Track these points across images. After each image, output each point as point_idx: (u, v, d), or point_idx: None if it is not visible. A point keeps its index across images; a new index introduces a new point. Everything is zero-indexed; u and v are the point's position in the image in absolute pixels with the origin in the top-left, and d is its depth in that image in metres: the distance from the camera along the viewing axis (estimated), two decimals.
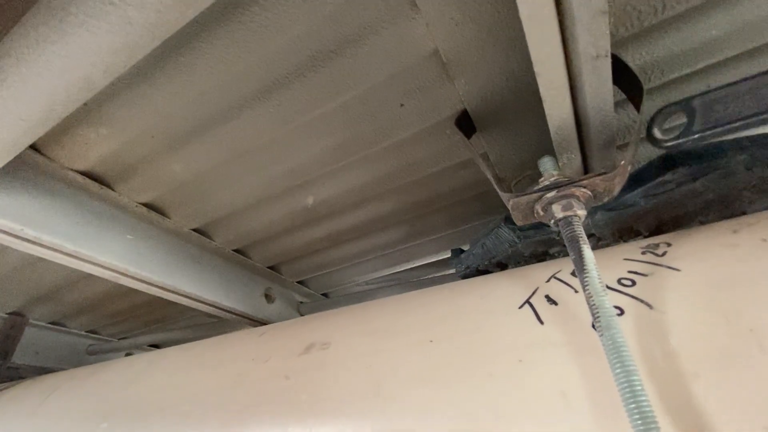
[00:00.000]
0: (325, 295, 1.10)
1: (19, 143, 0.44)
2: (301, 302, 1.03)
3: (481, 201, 0.75)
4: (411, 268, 0.97)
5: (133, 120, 0.55)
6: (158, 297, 1.07)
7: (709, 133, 0.43)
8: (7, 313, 1.08)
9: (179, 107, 0.54)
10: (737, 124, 0.43)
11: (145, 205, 0.71)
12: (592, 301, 0.35)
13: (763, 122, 0.42)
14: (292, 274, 0.98)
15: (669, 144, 0.44)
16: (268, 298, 0.94)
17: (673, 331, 0.34)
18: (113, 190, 0.66)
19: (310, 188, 0.69)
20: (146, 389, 0.67)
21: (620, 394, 0.31)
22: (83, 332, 1.24)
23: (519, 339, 0.40)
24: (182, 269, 0.76)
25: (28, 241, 0.57)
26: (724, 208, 0.48)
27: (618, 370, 0.31)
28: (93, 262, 0.63)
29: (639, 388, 0.31)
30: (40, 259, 0.89)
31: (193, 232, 0.79)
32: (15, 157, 0.51)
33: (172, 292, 0.74)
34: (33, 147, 0.58)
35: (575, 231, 0.38)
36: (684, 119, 0.44)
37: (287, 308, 0.98)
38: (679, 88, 0.54)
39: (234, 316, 0.87)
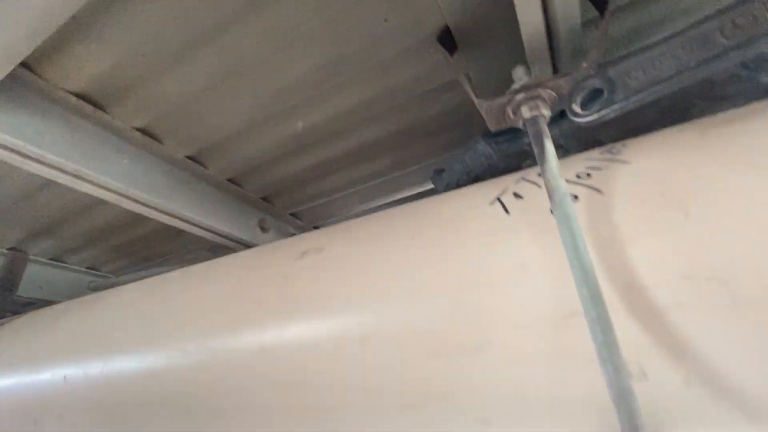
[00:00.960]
0: (316, 228, 1.15)
1: (16, 52, 0.46)
2: (294, 234, 1.08)
3: (464, 128, 0.78)
4: (398, 199, 1.02)
5: (123, 37, 0.56)
6: (157, 230, 1.11)
7: (631, 101, 0.46)
8: (7, 249, 1.12)
9: (167, 24, 0.55)
10: (659, 87, 0.45)
11: (140, 130, 0.73)
12: (550, 185, 0.40)
13: (682, 81, 0.45)
14: (285, 205, 1.03)
15: (590, 119, 0.47)
16: (263, 228, 0.99)
17: (617, 208, 0.40)
18: (107, 113, 0.68)
19: (298, 112, 0.72)
20: (151, 309, 0.73)
21: (568, 259, 0.37)
22: (83, 269, 1.29)
23: (488, 227, 0.46)
24: (179, 195, 0.79)
25: (31, 158, 0.60)
26: (679, 115, 0.53)
27: (567, 240, 0.37)
28: (94, 183, 0.67)
29: (583, 252, 0.37)
30: (39, 191, 0.91)
31: (188, 159, 0.81)
32: (9, 76, 0.53)
33: (171, 215, 0.78)
34: (25, 65, 0.58)
35: (540, 128, 0.42)
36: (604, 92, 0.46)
37: (281, 239, 1.03)
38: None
39: (231, 242, 0.92)
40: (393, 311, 0.49)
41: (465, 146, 0.66)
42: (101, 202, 0.99)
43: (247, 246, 0.95)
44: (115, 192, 0.70)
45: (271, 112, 0.71)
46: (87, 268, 1.29)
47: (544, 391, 0.40)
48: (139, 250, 1.22)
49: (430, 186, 0.94)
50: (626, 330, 0.36)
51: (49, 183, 0.90)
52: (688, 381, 0.35)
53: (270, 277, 0.61)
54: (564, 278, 0.39)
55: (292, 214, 1.08)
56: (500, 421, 0.44)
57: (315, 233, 0.65)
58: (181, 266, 1.09)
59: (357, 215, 1.06)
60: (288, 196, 1.00)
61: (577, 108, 0.47)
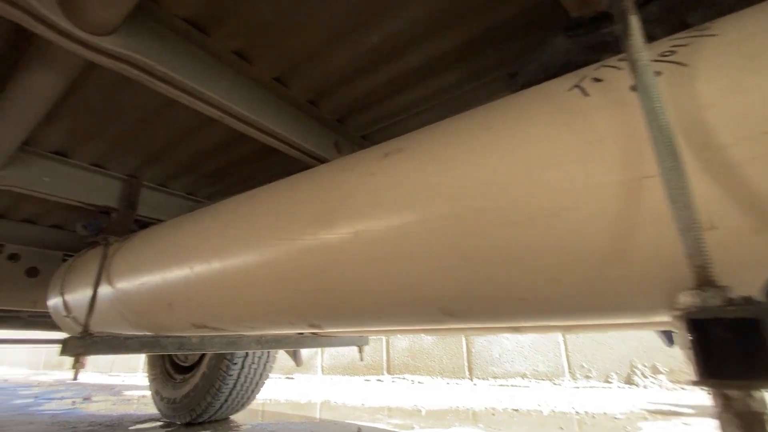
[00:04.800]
0: None
1: None
2: None
3: (534, 35, 0.78)
4: None
5: None
6: (245, 155, 1.25)
7: None
8: (126, 175, 1.33)
9: None
10: None
11: (236, 53, 0.82)
12: (632, 57, 0.42)
13: None
14: (357, 127, 1.11)
15: None
16: (338, 148, 1.08)
17: (699, 77, 0.42)
18: (209, 36, 0.77)
19: (373, 25, 0.76)
20: (261, 210, 0.86)
21: (648, 124, 0.40)
22: (184, 193, 1.49)
23: (565, 108, 0.50)
24: (270, 114, 0.90)
25: (158, 77, 0.71)
26: None
27: (647, 107, 0.40)
28: (206, 101, 0.78)
29: (661, 115, 0.39)
30: (152, 117, 1.06)
31: (274, 81, 0.90)
32: (136, 6, 0.62)
33: (265, 132, 0.89)
34: None
35: (625, 3, 0.44)
36: None
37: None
38: None
39: (312, 160, 1.03)
40: (471, 190, 0.55)
41: (541, 44, 0.67)
42: (199, 129, 1.13)
43: (325, 162, 1.06)
44: (221, 110, 0.81)
45: (349, 24, 0.76)
46: (187, 193, 1.50)
47: (615, 247, 0.45)
48: (230, 174, 1.38)
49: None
50: (700, 186, 0.39)
51: (159, 110, 1.04)
52: (757, 229, 0.39)
53: (358, 175, 0.70)
54: (640, 146, 0.42)
55: (363, 137, 1.15)
56: (569, 279, 0.50)
57: (394, 139, 0.72)
58: None
59: None
60: (360, 117, 1.06)
61: None
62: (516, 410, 2.77)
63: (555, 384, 3.73)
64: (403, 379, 4.29)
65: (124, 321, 1.24)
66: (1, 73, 0.85)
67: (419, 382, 4.17)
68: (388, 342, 4.43)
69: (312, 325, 0.86)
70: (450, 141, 0.61)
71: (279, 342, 1.64)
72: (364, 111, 1.04)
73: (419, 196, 0.60)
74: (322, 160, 1.05)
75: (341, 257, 0.69)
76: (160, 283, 1.03)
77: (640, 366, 3.56)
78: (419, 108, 1.02)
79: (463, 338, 4.14)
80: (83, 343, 1.10)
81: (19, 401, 3.88)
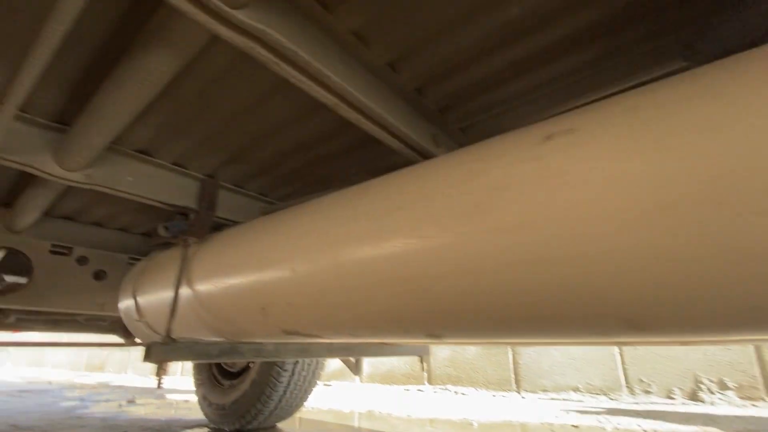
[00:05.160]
0: None
1: None
2: None
3: (690, 3, 0.68)
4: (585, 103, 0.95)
5: None
6: (322, 155, 1.19)
7: None
8: (204, 175, 1.28)
9: None
10: None
11: (354, 33, 0.75)
12: None
13: None
14: (459, 118, 1.02)
15: None
16: (436, 142, 1.00)
17: None
18: (331, 13, 0.70)
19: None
20: (379, 204, 0.78)
21: None
22: (257, 194, 1.44)
23: None
24: (380, 102, 0.82)
25: (284, 57, 0.65)
26: None
27: None
28: (328, 86, 0.71)
29: None
30: (242, 115, 1.01)
31: (387, 67, 0.83)
32: None
33: (375, 121, 0.82)
34: None
35: None
36: None
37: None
38: None
39: (413, 153, 0.95)
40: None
41: (733, 5, 0.57)
42: (285, 126, 1.08)
43: (425, 157, 0.97)
44: (338, 95, 0.74)
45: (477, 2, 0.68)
46: (259, 194, 1.45)
47: None
48: (306, 175, 1.32)
49: (638, 79, 0.84)
50: None
51: (251, 106, 0.99)
52: None
53: (511, 162, 0.61)
54: None
55: (461, 129, 1.07)
56: None
57: (553, 119, 0.63)
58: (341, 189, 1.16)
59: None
60: (466, 106, 0.98)
61: None
62: (575, 426, 2.59)
63: (612, 399, 3.51)
64: (446, 389, 4.14)
65: (202, 326, 1.18)
66: (111, 56, 0.81)
67: (462, 394, 4.02)
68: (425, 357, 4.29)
69: (431, 335, 0.77)
70: (634, 121, 0.52)
71: (347, 350, 1.57)
72: (472, 99, 0.95)
73: (611, 186, 0.50)
74: (423, 154, 0.96)
75: (491, 256, 0.59)
76: (252, 286, 0.97)
77: (705, 380, 3.30)
78: (535, 94, 0.93)
79: (510, 349, 3.96)
80: (167, 349, 1.05)
81: (66, 403, 3.96)
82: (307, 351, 1.40)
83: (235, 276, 1.02)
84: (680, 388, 3.36)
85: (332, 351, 1.50)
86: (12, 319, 2.09)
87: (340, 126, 1.07)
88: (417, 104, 0.94)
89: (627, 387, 3.53)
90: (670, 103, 0.50)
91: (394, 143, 0.90)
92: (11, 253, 1.52)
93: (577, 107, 0.92)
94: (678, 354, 3.41)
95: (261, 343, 1.24)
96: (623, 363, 3.57)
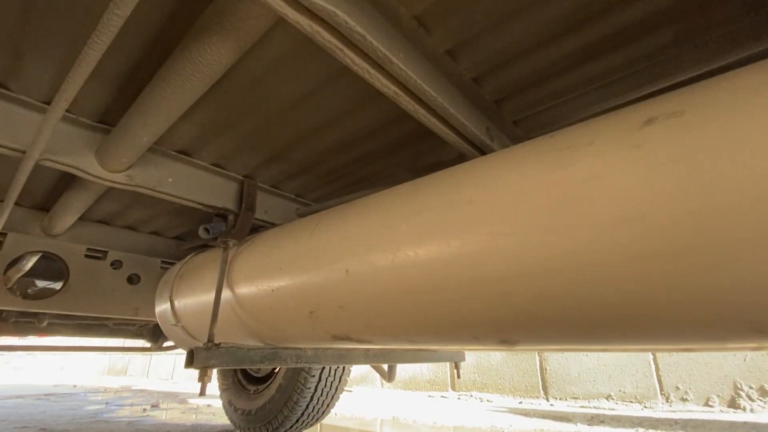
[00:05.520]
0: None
1: None
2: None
3: None
4: (651, 93, 0.89)
5: None
6: (361, 155, 1.16)
7: None
8: (242, 176, 1.26)
9: None
10: None
11: (416, 18, 0.70)
12: None
13: None
14: (514, 110, 0.97)
15: None
16: (489, 135, 0.95)
17: None
18: None
19: None
20: (436, 202, 0.73)
21: None
22: (293, 195, 1.41)
23: None
24: (440, 92, 0.78)
25: (350, 43, 0.61)
26: None
27: None
28: (391, 74, 0.67)
29: None
30: (285, 112, 0.98)
31: (446, 55, 0.78)
32: None
33: (435, 112, 0.77)
34: None
35: None
36: None
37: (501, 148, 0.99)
38: None
39: (469, 147, 0.90)
40: None
41: None
42: (329, 124, 1.04)
43: (479, 150, 0.92)
44: (400, 84, 0.70)
45: None
46: (296, 195, 1.41)
47: None
48: (344, 175, 1.29)
49: (717, 63, 0.78)
50: None
51: (296, 103, 0.96)
52: None
53: (605, 150, 0.55)
54: None
55: (514, 122, 1.01)
56: None
57: (651, 101, 0.57)
58: (379, 189, 1.12)
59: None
60: (522, 97, 0.93)
61: None
62: None
63: (646, 407, 3.36)
64: (470, 396, 4.04)
65: (244, 330, 1.15)
66: (161, 50, 0.78)
67: (488, 400, 3.91)
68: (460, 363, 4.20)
69: (504, 342, 0.71)
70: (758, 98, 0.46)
71: (385, 356, 1.52)
72: (530, 90, 0.90)
73: (721, 173, 0.44)
74: (477, 147, 0.91)
75: (585, 253, 0.54)
76: (300, 288, 0.93)
77: (745, 388, 3.14)
78: (591, 86, 0.87)
79: (537, 355, 3.85)
80: (209, 354, 1.01)
81: (92, 407, 4.00)
82: (346, 357, 1.35)
83: (280, 278, 0.98)
84: (718, 396, 3.20)
85: (370, 357, 1.45)
86: (45, 323, 2.10)
87: (388, 121, 1.03)
88: (473, 95, 0.89)
89: (662, 394, 3.38)
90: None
91: (450, 136, 0.85)
92: (48, 257, 1.52)
93: (645, 97, 0.86)
94: (716, 360, 3.26)
95: (302, 349, 1.20)
96: (657, 369, 3.43)
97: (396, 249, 0.74)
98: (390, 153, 1.15)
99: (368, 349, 1.42)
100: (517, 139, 1.04)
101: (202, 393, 1.02)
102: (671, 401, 3.33)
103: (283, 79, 0.87)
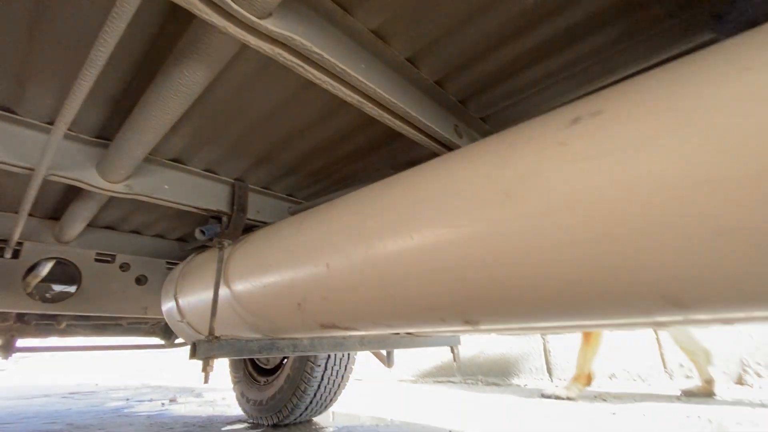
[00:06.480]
0: None
1: None
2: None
3: None
4: (602, 87, 0.94)
5: None
6: (347, 153, 1.22)
7: None
8: (233, 179, 1.34)
9: None
10: None
11: (374, 32, 0.77)
12: None
13: None
14: (479, 108, 1.03)
15: None
16: (458, 133, 1.01)
17: None
18: (352, 15, 0.72)
19: None
20: (410, 195, 0.80)
21: None
22: (284, 195, 1.49)
23: None
24: (402, 97, 0.84)
25: (310, 61, 0.67)
26: None
27: None
28: (352, 85, 0.74)
29: None
30: (269, 118, 1.05)
31: (407, 62, 0.84)
32: None
33: (398, 116, 0.84)
34: None
35: None
36: None
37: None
38: None
39: (437, 145, 0.96)
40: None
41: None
42: (309, 127, 1.11)
43: (448, 148, 0.98)
44: (362, 93, 0.77)
45: None
46: (286, 194, 1.49)
47: None
48: (331, 174, 1.36)
49: (662, 55, 0.83)
50: None
51: (277, 109, 1.03)
52: None
53: (539, 148, 0.62)
54: None
55: (482, 119, 1.07)
56: None
57: (578, 103, 0.63)
58: (365, 185, 1.18)
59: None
60: (485, 96, 0.99)
61: None
62: (614, 414, 2.54)
63: (650, 386, 3.42)
64: (477, 381, 4.14)
65: (242, 323, 1.24)
66: (147, 72, 0.85)
67: (494, 384, 4.00)
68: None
69: (467, 322, 0.78)
70: (660, 100, 0.52)
71: (380, 343, 1.60)
72: (492, 88, 0.96)
73: (636, 166, 0.50)
74: (446, 145, 0.98)
75: (524, 241, 0.60)
76: (288, 283, 1.01)
77: (753, 364, 3.17)
78: (552, 80, 0.93)
79: (542, 339, 3.92)
80: (211, 346, 1.10)
81: (113, 404, 4.18)
82: (341, 345, 1.43)
83: (270, 274, 1.07)
84: (725, 373, 3.24)
85: (365, 344, 1.53)
86: (63, 325, 2.24)
87: (362, 124, 1.09)
88: (437, 96, 0.95)
89: (666, 372, 3.43)
90: (700, 79, 0.50)
91: (417, 137, 0.92)
92: (61, 263, 1.63)
93: (603, 88, 0.92)
94: (722, 337, 3.28)
95: (298, 339, 1.29)
96: (660, 348, 3.48)
97: (368, 243, 0.82)
98: (369, 152, 1.22)
99: (363, 336, 1.51)
100: (486, 134, 1.10)
101: (206, 381, 1.11)
102: (675, 379, 3.39)
103: (256, 93, 0.94)
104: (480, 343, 4.28)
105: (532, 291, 0.63)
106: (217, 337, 1.13)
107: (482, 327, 0.79)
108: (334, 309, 0.94)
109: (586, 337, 3.06)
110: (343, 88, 0.74)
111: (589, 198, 0.54)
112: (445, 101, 0.97)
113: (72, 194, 1.38)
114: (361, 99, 0.78)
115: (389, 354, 1.95)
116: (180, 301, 1.45)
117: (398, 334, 1.72)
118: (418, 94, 0.91)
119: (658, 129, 0.51)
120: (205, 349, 1.09)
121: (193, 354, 1.10)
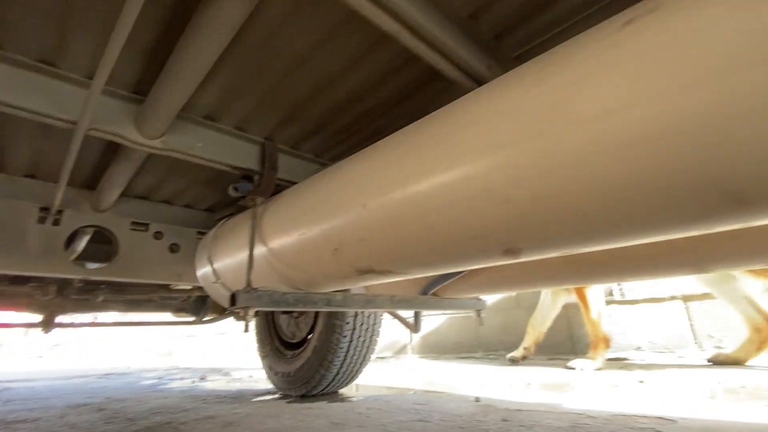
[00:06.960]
0: None
1: None
2: None
3: None
4: None
5: None
6: (372, 107, 1.22)
7: None
8: (263, 138, 1.35)
9: None
10: None
11: None
12: None
13: None
14: (514, 45, 1.00)
15: None
16: (492, 73, 0.99)
17: None
18: None
19: None
20: (453, 128, 0.79)
21: None
22: (311, 156, 1.50)
23: None
24: (440, 28, 0.83)
25: None
26: None
27: None
28: (394, 12, 0.73)
29: None
30: (298, 67, 1.06)
31: None
32: None
33: (437, 49, 0.83)
34: None
35: None
36: None
37: None
38: None
39: (472, 82, 0.95)
40: None
41: None
42: (336, 79, 1.11)
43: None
44: (402, 22, 0.76)
45: None
46: (314, 155, 1.50)
47: None
48: (356, 131, 1.36)
49: None
50: None
51: (308, 56, 1.03)
52: None
53: (593, 54, 0.60)
54: None
55: (516, 58, 1.05)
56: None
57: (621, 12, 0.61)
58: None
59: None
60: (520, 30, 0.96)
61: None
62: (641, 382, 2.51)
63: (679, 357, 3.36)
64: (499, 356, 4.15)
65: (277, 277, 1.26)
66: (181, 18, 0.86)
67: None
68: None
69: (509, 251, 0.78)
70: None
71: (408, 302, 1.62)
72: (527, 22, 0.93)
73: (697, 56, 0.48)
74: (481, 83, 0.96)
75: (576, 149, 0.59)
76: (325, 229, 1.02)
77: None
78: (591, 9, 0.90)
79: (565, 315, 3.88)
80: (249, 296, 1.13)
81: (147, 382, 4.35)
82: (372, 302, 1.45)
83: (305, 224, 1.08)
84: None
85: (395, 303, 1.55)
86: (100, 298, 2.32)
87: (391, 70, 1.09)
88: (472, 32, 0.94)
89: (696, 344, 3.37)
90: None
91: (453, 72, 0.91)
92: (100, 231, 1.69)
93: None
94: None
95: (331, 294, 1.31)
96: (689, 318, 3.41)
97: (406, 178, 0.82)
98: (397, 103, 1.21)
99: (393, 296, 1.52)
100: None
101: (246, 330, 1.14)
102: (705, 351, 3.32)
103: (290, 35, 0.94)
104: (503, 317, 4.28)
105: (582, 203, 0.62)
106: (254, 288, 1.15)
107: (524, 256, 0.79)
108: (372, 250, 0.94)
109: (582, 301, 3.11)
110: (384, 16, 0.74)
111: (648, 94, 0.53)
112: (479, 38, 0.96)
113: (108, 159, 1.42)
114: (400, 27, 0.77)
115: (417, 318, 1.97)
116: (215, 263, 1.48)
117: (426, 294, 1.73)
118: (454, 28, 0.90)
119: (720, 18, 0.49)
120: (244, 298, 1.11)
121: (233, 303, 1.13)
